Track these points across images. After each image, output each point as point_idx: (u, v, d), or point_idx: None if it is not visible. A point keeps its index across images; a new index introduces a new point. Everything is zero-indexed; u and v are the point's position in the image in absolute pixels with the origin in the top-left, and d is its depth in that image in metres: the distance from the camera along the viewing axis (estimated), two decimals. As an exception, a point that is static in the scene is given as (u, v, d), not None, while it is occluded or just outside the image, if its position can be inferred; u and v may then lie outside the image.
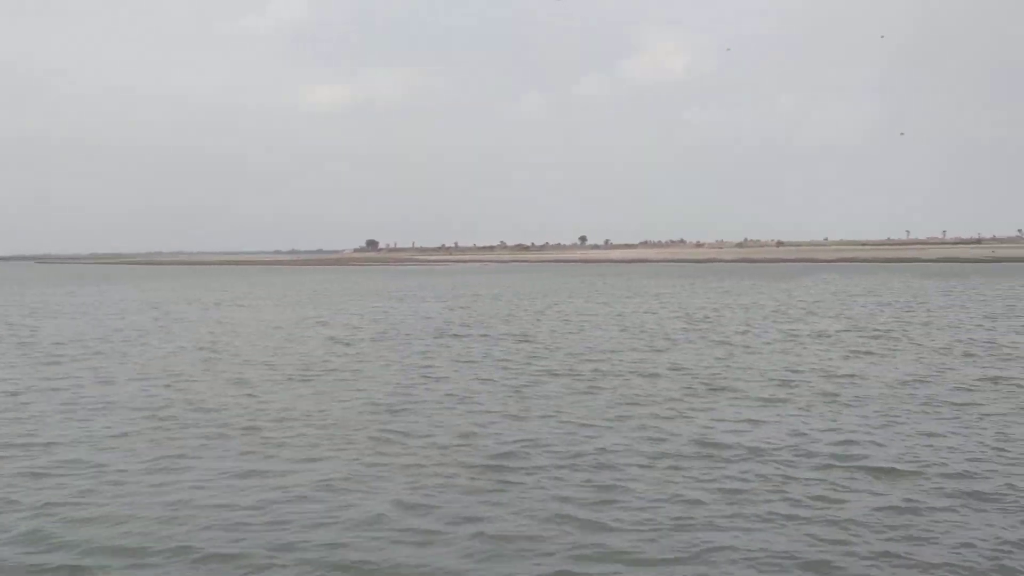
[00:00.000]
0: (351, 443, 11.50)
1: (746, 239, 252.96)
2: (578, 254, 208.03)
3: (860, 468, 9.90)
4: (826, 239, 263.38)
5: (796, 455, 10.56)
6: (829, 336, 23.82)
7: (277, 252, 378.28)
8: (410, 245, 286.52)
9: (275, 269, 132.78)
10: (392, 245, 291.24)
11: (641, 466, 10.18)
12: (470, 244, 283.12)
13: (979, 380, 15.76)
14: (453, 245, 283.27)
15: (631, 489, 9.27)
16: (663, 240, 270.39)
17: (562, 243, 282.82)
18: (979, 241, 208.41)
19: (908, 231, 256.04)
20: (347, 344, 23.38)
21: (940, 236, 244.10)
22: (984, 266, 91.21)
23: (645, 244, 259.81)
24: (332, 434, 12.07)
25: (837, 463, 10.14)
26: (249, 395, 15.31)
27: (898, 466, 9.93)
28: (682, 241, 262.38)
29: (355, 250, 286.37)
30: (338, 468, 10.25)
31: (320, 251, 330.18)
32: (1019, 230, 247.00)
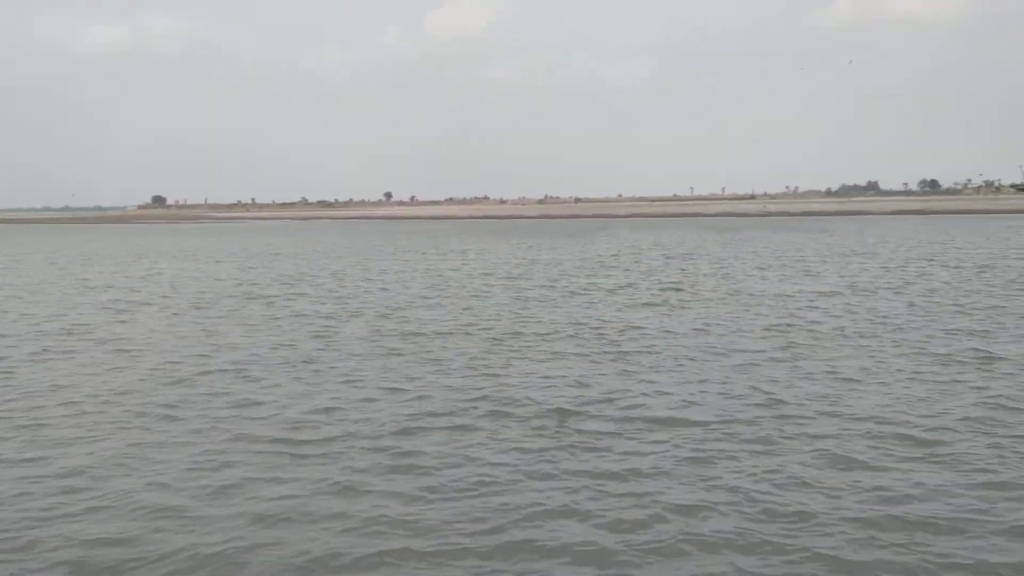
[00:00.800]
0: (115, 421, 10.27)
1: (546, 196, 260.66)
2: (383, 211, 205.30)
3: (647, 419, 10.09)
4: (620, 195, 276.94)
5: (583, 406, 10.64)
6: (621, 288, 24.68)
7: (47, 209, 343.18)
8: (203, 201, 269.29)
9: (38, 228, 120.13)
10: (182, 201, 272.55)
11: (439, 428, 9.82)
12: (269, 200, 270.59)
13: (764, 328, 16.79)
14: (250, 201, 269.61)
15: (426, 453, 8.89)
16: (468, 197, 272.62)
17: (367, 200, 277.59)
18: (753, 197, 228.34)
19: (692, 187, 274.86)
20: (121, 311, 21.28)
21: (720, 192, 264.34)
22: (757, 220, 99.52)
23: (451, 201, 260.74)
24: (90, 411, 10.72)
25: (629, 414, 10.30)
26: (-5, 372, 13.41)
27: (683, 414, 10.23)
28: (486, 198, 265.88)
29: (139, 207, 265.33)
30: (96, 449, 9.08)
31: (99, 208, 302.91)
32: (786, 187, 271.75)
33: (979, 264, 31.11)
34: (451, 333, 16.74)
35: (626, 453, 8.86)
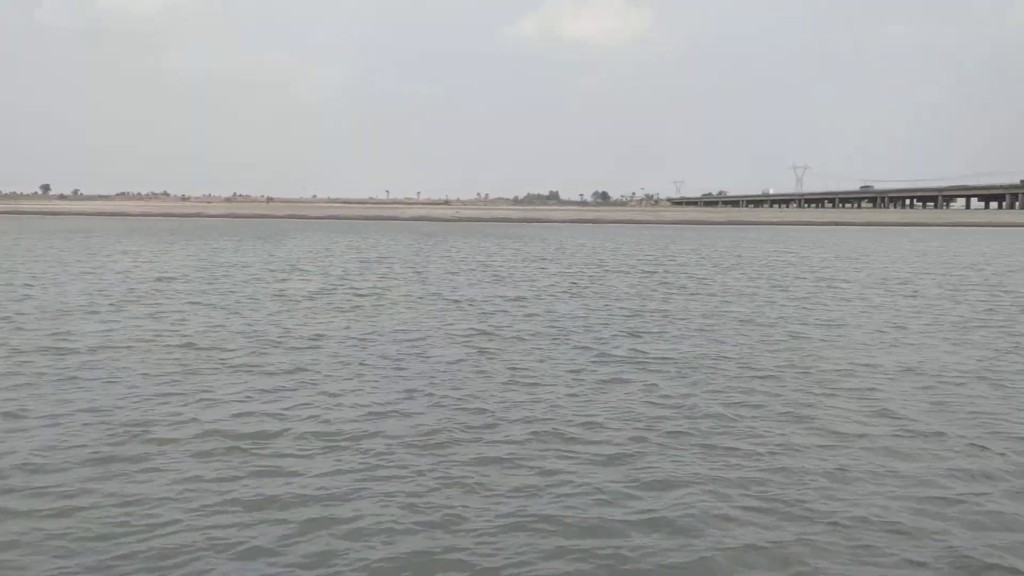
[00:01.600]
0: None
1: (235, 194, 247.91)
2: (40, 205, 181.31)
3: (324, 434, 9.15)
4: (315, 196, 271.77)
5: (257, 425, 9.44)
6: (318, 295, 23.41)
7: None
8: None
9: None
10: None
11: (81, 460, 8.02)
12: None
13: (452, 334, 16.54)
14: None
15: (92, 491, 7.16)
16: (144, 192, 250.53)
17: (19, 191, 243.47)
18: (447, 202, 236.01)
19: (388, 191, 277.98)
20: None
21: (415, 197, 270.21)
22: (450, 225, 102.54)
23: (123, 196, 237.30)
24: None
25: (306, 430, 9.26)
26: None
27: (364, 427, 9.43)
28: (166, 194, 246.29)
29: None
30: None
31: None
32: (477, 193, 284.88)
33: (644, 271, 34.23)
34: (121, 347, 14.40)
35: (297, 474, 7.87)
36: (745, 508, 7.45)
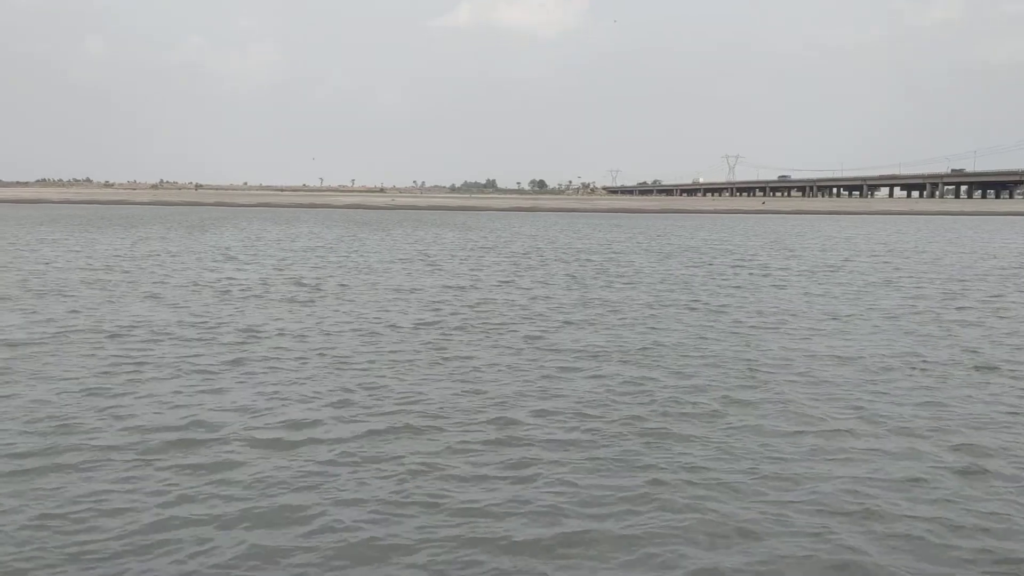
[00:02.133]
0: None
1: (162, 180, 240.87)
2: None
3: (257, 441, 8.86)
4: (246, 183, 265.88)
5: (183, 429, 9.07)
6: (264, 286, 22.78)
7: None
8: None
9: None
10: None
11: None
12: None
13: (405, 323, 16.26)
14: None
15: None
16: (66, 179, 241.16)
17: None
18: (383, 190, 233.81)
19: (322, 178, 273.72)
20: None
21: (350, 184, 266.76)
22: (386, 213, 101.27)
23: (43, 183, 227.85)
24: None
25: (236, 434, 8.94)
26: None
27: (303, 433, 9.16)
28: (88, 180, 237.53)
29: None
30: None
31: None
32: (413, 181, 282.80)
33: (587, 259, 34.37)
34: (45, 342, 13.71)
35: (232, 466, 7.57)
36: (687, 486, 7.47)
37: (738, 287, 24.12)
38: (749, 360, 13.37)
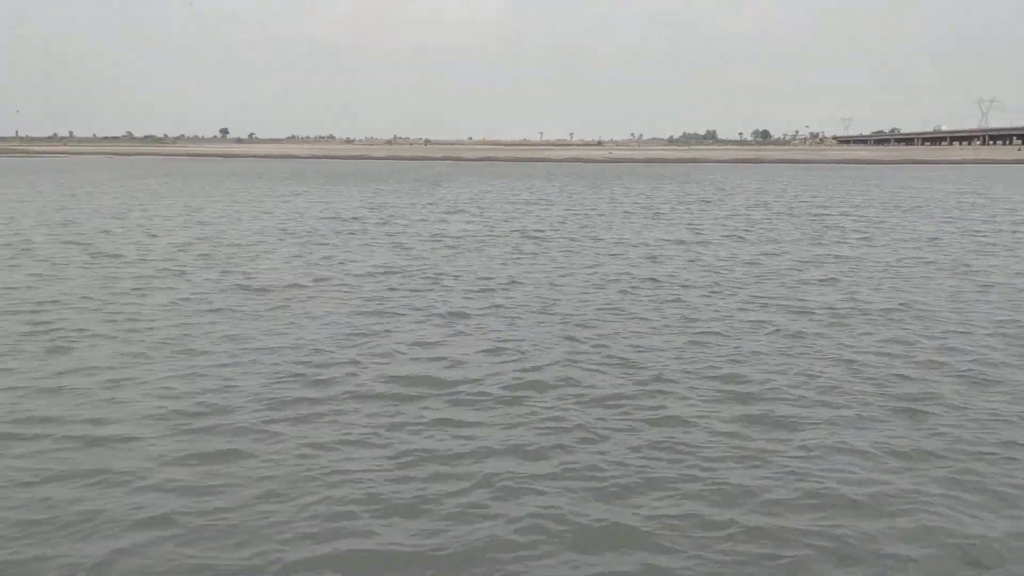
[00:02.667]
0: None
1: (395, 137, 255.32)
2: (218, 148, 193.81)
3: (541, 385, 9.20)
4: (470, 138, 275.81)
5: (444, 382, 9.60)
6: (480, 237, 23.72)
7: None
8: (12, 134, 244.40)
9: None
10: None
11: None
12: (90, 134, 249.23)
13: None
14: (68, 135, 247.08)
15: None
16: (312, 135, 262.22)
17: (201, 135, 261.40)
18: (600, 143, 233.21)
19: (541, 132, 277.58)
20: None
21: (568, 139, 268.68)
22: (605, 166, 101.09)
23: (293, 139, 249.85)
24: None
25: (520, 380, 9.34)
26: None
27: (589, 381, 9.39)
28: (332, 137, 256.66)
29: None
30: None
31: None
32: (631, 134, 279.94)
33: (814, 213, 32.40)
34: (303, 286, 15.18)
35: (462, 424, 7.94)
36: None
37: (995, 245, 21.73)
38: None
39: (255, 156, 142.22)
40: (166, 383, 9.16)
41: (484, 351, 10.68)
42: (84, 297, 14.06)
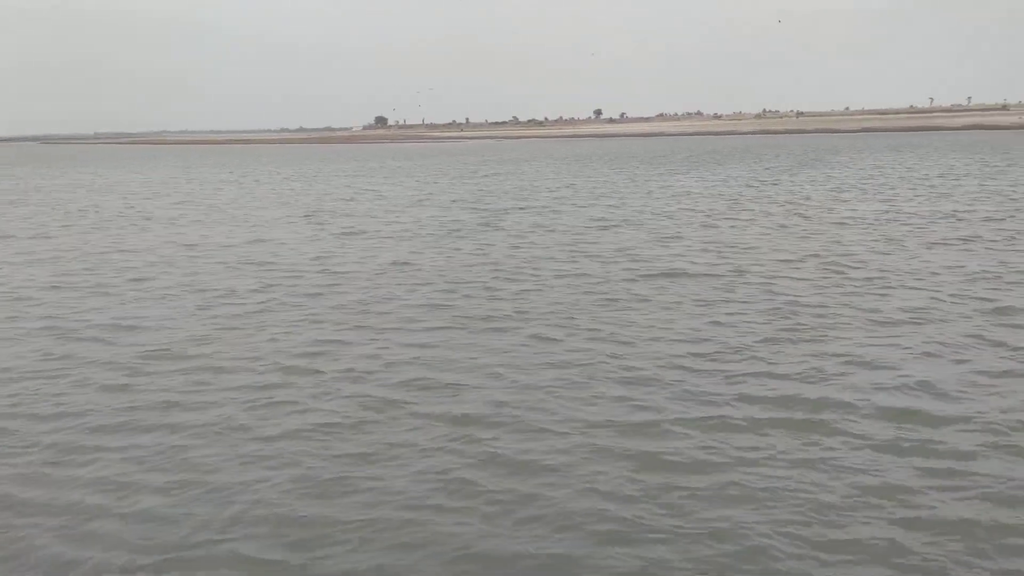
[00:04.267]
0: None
1: (765, 110, 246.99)
2: (593, 128, 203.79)
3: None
4: (847, 109, 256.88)
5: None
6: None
7: (284, 130, 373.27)
8: (420, 122, 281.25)
9: (281, 148, 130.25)
10: (402, 122, 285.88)
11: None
12: (482, 120, 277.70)
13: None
14: (464, 121, 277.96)
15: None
16: (680, 113, 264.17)
17: (576, 117, 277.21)
18: (1005, 107, 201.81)
19: (932, 98, 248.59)
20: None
21: (964, 103, 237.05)
22: (1013, 135, 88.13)
23: (661, 117, 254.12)
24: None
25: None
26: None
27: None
28: (699, 113, 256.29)
29: (364, 127, 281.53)
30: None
31: (329, 128, 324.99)
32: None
33: None
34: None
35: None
36: None
37: None
38: None
39: (627, 135, 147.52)
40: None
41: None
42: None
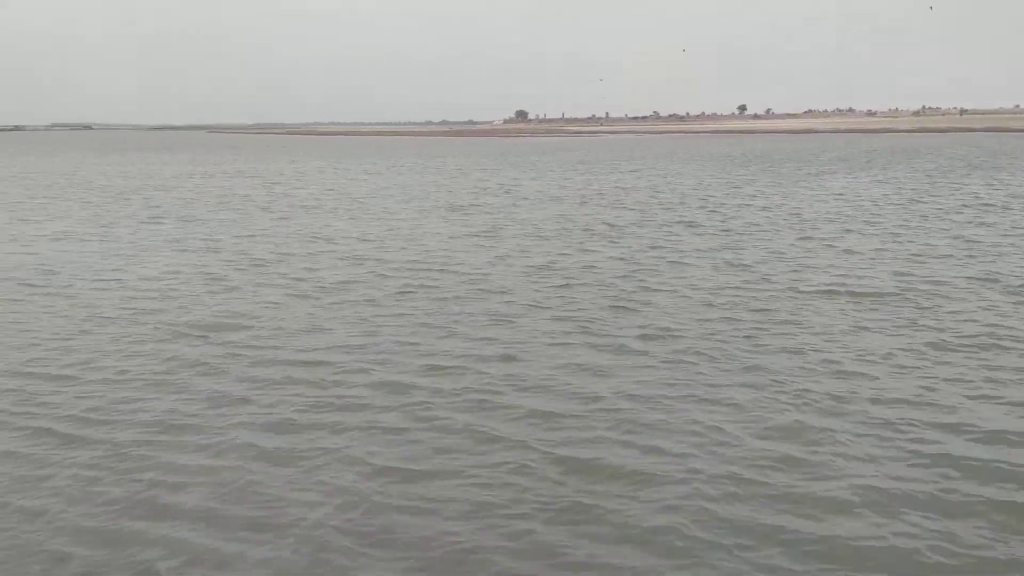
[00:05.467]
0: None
1: (924, 107, 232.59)
2: (735, 124, 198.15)
3: None
4: (1016, 107, 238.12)
5: None
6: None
7: (428, 123, 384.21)
8: (560, 116, 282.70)
9: (421, 140, 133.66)
10: (542, 116, 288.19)
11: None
12: (621, 115, 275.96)
13: None
14: (604, 116, 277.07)
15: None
16: (829, 109, 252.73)
17: (719, 113, 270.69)
18: None
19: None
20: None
21: None
22: None
23: (809, 113, 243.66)
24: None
25: None
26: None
27: None
28: (851, 110, 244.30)
29: (504, 121, 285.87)
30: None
31: (471, 122, 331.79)
32: None
33: None
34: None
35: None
36: None
37: None
38: None
39: (774, 132, 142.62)
40: None
41: None
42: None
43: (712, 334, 10.62)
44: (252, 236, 20.33)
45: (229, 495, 6.40)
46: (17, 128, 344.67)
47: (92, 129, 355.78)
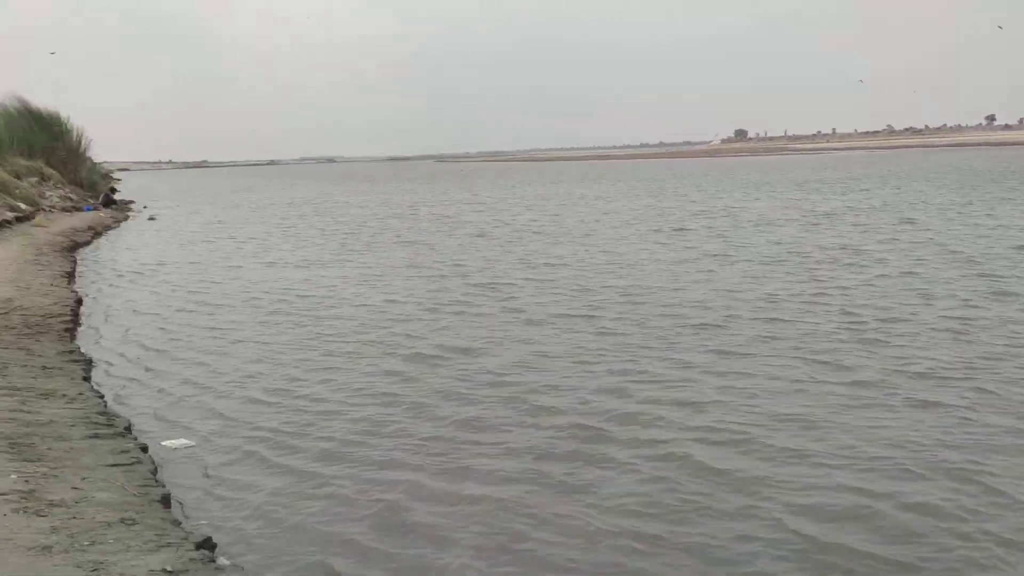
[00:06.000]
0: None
1: None
2: (983, 136, 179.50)
3: None
4: None
5: None
6: None
7: (643, 145, 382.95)
8: (782, 133, 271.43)
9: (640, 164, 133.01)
10: (763, 134, 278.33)
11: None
12: (851, 129, 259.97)
13: None
14: (831, 131, 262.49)
15: None
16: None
17: (962, 124, 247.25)
18: None
19: None
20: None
21: None
22: None
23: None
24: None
25: None
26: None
27: None
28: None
29: (723, 140, 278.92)
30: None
31: (687, 143, 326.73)
32: None
33: None
34: None
35: None
36: None
37: None
38: None
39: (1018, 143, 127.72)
40: None
41: None
42: None
43: (974, 374, 9.78)
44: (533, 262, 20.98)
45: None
46: (272, 163, 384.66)
47: (335, 162, 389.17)
